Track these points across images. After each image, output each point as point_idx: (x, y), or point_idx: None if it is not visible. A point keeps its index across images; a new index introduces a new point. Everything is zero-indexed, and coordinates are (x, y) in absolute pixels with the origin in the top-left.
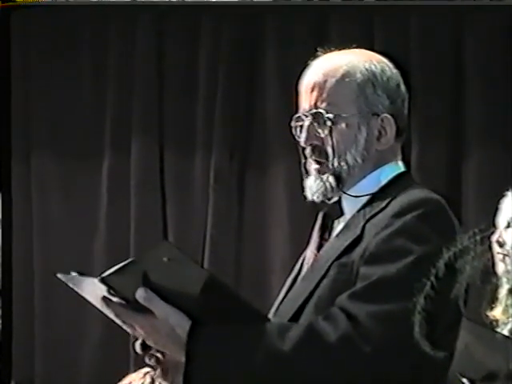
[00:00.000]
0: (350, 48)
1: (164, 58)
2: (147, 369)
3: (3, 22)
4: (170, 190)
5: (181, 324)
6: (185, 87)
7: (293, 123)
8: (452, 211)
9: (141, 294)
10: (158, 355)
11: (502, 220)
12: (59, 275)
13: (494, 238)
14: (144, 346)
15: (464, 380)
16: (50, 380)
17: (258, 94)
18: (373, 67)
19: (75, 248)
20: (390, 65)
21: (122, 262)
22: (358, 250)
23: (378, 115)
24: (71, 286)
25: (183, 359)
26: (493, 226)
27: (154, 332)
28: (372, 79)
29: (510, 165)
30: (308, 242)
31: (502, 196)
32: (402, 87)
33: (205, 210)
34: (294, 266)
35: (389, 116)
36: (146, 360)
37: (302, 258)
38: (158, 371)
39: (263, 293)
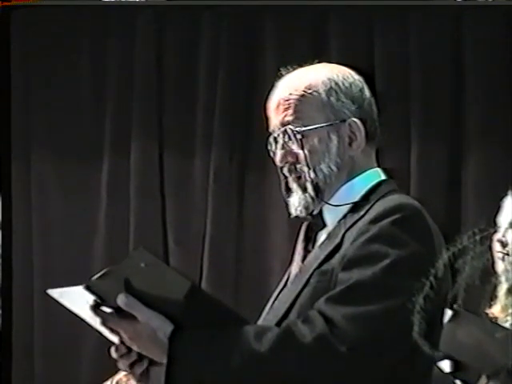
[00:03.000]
0: (312, 63)
1: (164, 58)
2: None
3: (3, 22)
4: (169, 191)
5: (162, 328)
6: (184, 88)
7: (268, 145)
8: (451, 212)
9: (122, 300)
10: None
11: (504, 219)
12: (49, 291)
13: (496, 237)
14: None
15: (457, 381)
16: (50, 380)
17: (258, 95)
18: (334, 76)
19: (75, 249)
20: (353, 72)
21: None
22: (337, 258)
23: (346, 121)
24: (61, 301)
25: (165, 362)
26: (494, 224)
27: (136, 337)
28: (334, 87)
29: (510, 165)
30: (292, 255)
31: (504, 195)
32: (367, 92)
33: (204, 210)
34: (281, 279)
35: (357, 120)
36: (119, 365)
37: (288, 272)
38: (134, 376)
39: (263, 293)
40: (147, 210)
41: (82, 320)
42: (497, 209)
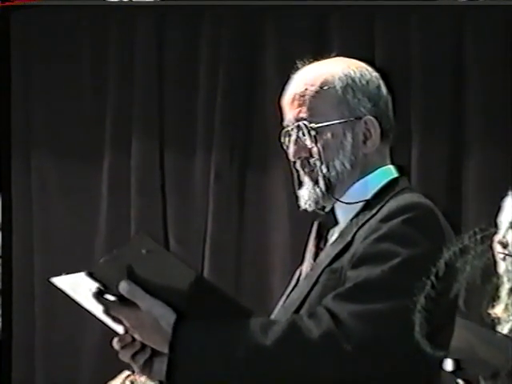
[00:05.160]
0: (329, 57)
1: (164, 57)
2: (127, 373)
3: (3, 22)
4: (170, 190)
5: (165, 316)
6: (185, 87)
7: (282, 139)
8: (451, 212)
9: (124, 287)
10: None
11: (504, 220)
12: (52, 279)
13: (497, 238)
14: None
15: (459, 381)
16: (50, 380)
17: (258, 94)
18: (351, 72)
19: (75, 248)
20: (370, 69)
21: None
22: (347, 256)
23: (361, 118)
24: (64, 289)
25: (167, 351)
26: (494, 225)
27: (139, 325)
28: (351, 84)
29: (510, 165)
30: (304, 253)
31: (504, 196)
32: (384, 90)
33: (205, 210)
34: (292, 277)
35: (372, 118)
36: (121, 356)
37: (299, 270)
38: (137, 367)
39: (263, 292)
40: (148, 209)
41: (85, 309)
42: (497, 209)
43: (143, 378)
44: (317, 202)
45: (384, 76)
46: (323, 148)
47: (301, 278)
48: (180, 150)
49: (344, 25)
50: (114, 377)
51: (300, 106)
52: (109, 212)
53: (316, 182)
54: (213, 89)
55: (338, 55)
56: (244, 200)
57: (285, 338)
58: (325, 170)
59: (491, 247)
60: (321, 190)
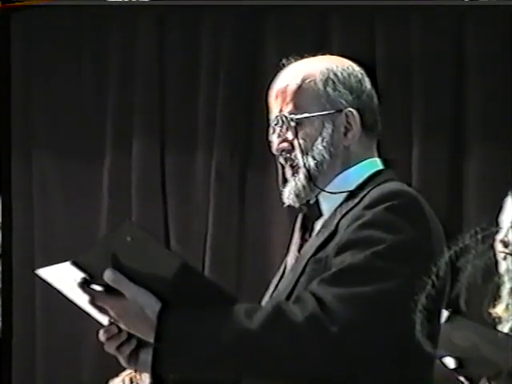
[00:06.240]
0: (315, 55)
1: (164, 57)
2: (127, 371)
3: (4, 23)
4: (170, 190)
5: (150, 305)
6: (185, 87)
7: (269, 137)
8: (452, 211)
9: (108, 275)
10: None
11: (506, 219)
12: (38, 271)
13: (499, 237)
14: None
15: (462, 379)
16: (50, 380)
17: (259, 94)
18: (333, 66)
19: (76, 248)
20: (353, 64)
21: None
22: (332, 245)
23: (342, 111)
24: (50, 280)
25: (152, 340)
26: (496, 224)
27: (124, 314)
28: (332, 77)
29: (510, 165)
30: (289, 246)
31: (505, 195)
32: (367, 84)
33: (206, 209)
34: (278, 269)
35: (353, 110)
36: (106, 348)
37: (284, 262)
38: (122, 358)
39: (264, 291)
40: (149, 208)
41: (70, 301)
42: (499, 208)
43: (143, 376)
44: (298, 196)
45: (371, 73)
46: (303, 139)
47: (286, 270)
48: (180, 150)
49: (344, 25)
50: (114, 376)
51: (283, 100)
52: (109, 212)
53: (296, 174)
54: (213, 88)
55: (338, 55)
56: (245, 199)
57: (270, 321)
58: (304, 161)
59: (492, 246)
60: (301, 183)
